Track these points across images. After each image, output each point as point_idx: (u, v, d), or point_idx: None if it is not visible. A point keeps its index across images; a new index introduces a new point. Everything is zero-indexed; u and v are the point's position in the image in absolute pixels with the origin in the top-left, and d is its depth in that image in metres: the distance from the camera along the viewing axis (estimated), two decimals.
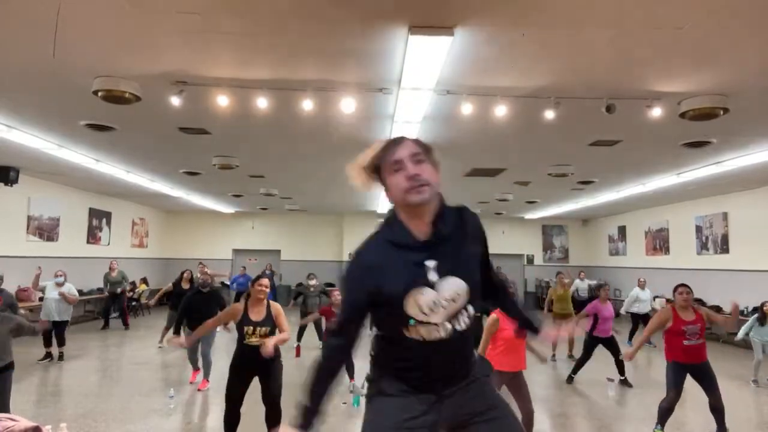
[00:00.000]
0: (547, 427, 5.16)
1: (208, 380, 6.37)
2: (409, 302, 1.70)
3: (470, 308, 1.78)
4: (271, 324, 4.12)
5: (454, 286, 1.73)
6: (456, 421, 1.84)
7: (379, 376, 1.87)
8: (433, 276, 1.70)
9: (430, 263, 1.71)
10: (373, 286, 1.70)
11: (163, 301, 16.72)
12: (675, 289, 4.85)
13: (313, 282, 8.83)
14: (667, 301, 12.63)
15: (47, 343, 7.84)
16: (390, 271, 1.69)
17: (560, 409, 5.84)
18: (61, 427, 4.02)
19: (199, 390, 6.27)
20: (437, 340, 1.74)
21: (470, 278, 1.76)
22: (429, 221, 1.73)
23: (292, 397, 6.46)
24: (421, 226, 1.73)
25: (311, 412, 1.72)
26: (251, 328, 4.05)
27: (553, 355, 8.66)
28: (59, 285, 7.99)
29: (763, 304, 7.12)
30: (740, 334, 7.35)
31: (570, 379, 7.00)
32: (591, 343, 7.08)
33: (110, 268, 11.95)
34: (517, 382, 4.20)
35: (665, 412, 4.69)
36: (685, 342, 4.62)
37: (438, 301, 1.71)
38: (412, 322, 1.72)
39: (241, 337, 4.08)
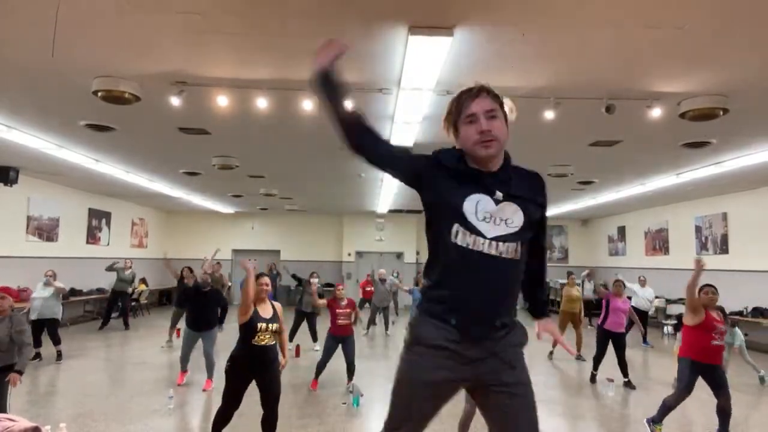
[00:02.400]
0: (545, 428, 5.15)
1: (212, 380, 6.31)
2: (467, 202, 1.72)
3: (519, 244, 1.76)
4: (278, 320, 4.19)
5: (514, 211, 1.75)
6: (480, 381, 1.80)
7: (419, 314, 1.83)
8: (498, 195, 1.75)
9: (494, 189, 1.76)
10: (433, 172, 1.81)
11: (163, 300, 16.82)
12: (700, 289, 4.72)
13: (314, 280, 8.85)
14: (667, 301, 12.68)
15: (37, 343, 7.82)
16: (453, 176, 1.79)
17: (560, 410, 5.84)
18: (60, 427, 4.02)
19: (204, 390, 6.21)
20: (480, 252, 1.70)
21: (528, 217, 1.76)
22: (493, 170, 1.78)
23: (289, 399, 6.43)
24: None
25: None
26: (264, 324, 4.06)
27: (579, 355, 8.64)
28: (47, 285, 7.97)
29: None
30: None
31: (593, 378, 6.95)
32: (602, 336, 6.98)
33: (125, 266, 11.93)
34: None
35: (668, 408, 4.65)
36: (713, 342, 4.54)
37: (495, 215, 1.73)
38: (461, 220, 1.71)
39: (251, 335, 4.03)
